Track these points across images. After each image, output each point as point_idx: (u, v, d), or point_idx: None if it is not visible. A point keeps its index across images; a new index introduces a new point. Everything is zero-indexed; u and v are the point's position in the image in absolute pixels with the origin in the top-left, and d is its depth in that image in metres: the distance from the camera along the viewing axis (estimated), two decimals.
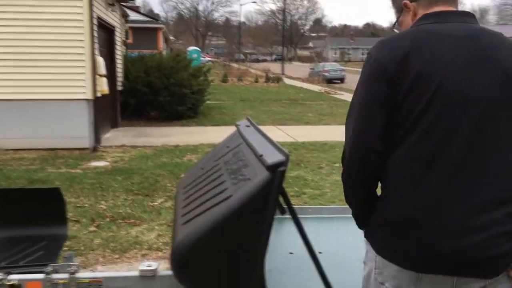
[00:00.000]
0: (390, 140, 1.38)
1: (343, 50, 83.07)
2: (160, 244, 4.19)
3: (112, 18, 10.53)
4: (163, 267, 3.28)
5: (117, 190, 5.80)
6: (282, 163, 1.43)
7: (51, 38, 7.97)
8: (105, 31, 10.12)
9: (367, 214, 1.47)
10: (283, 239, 2.42)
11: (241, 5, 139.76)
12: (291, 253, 2.32)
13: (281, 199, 1.51)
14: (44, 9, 7.92)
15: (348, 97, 20.71)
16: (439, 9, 1.47)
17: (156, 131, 10.73)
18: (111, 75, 10.16)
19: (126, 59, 12.16)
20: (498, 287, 1.36)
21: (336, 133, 10.47)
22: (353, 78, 35.21)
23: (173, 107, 11.94)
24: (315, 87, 26.28)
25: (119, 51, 11.38)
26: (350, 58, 78.84)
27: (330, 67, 35.42)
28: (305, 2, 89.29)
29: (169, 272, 1.81)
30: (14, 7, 7.89)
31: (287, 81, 30.57)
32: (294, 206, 1.62)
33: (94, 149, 8.32)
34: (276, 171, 1.42)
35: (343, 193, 1.55)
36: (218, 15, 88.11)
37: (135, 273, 2.02)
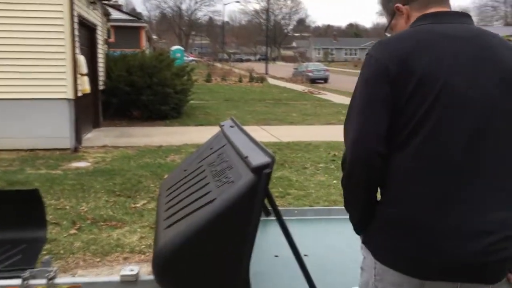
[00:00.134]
0: (391, 143, 1.35)
1: (326, 50, 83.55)
2: (143, 246, 4.12)
3: (94, 16, 10.39)
4: (146, 271, 3.23)
5: (99, 192, 5.71)
6: (268, 165, 1.39)
7: (30, 37, 7.82)
8: (86, 30, 9.98)
9: (366, 219, 1.43)
10: (268, 242, 2.38)
11: (224, 4, 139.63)
12: (276, 256, 2.29)
13: (266, 201, 1.48)
14: (23, 6, 7.77)
15: (332, 97, 20.83)
16: (434, 10, 1.46)
17: (139, 131, 10.62)
18: (92, 74, 10.03)
19: (108, 58, 12.02)
20: None
21: (320, 133, 10.51)
22: (336, 78, 35.49)
23: (156, 106, 11.84)
24: (299, 87, 26.36)
25: (101, 50, 11.24)
26: (334, 58, 79.36)
27: (314, 67, 35.57)
28: (289, 2, 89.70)
29: (151, 277, 1.77)
30: None
31: (271, 81, 30.61)
32: (279, 208, 1.59)
33: (75, 150, 8.19)
34: (262, 174, 1.38)
35: (343, 199, 1.50)
36: (202, 14, 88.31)
37: (116, 278, 1.97)
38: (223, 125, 2.19)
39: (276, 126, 11.92)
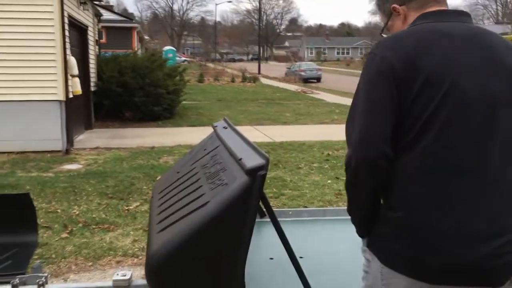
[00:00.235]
0: (397, 144, 1.32)
1: (319, 50, 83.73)
2: (136, 249, 4.08)
3: (85, 17, 10.32)
4: (139, 274, 3.19)
5: (91, 194, 5.65)
6: (262, 167, 1.37)
7: (20, 38, 7.73)
8: (77, 31, 9.91)
9: (371, 222, 1.40)
10: (262, 244, 2.36)
11: (216, 4, 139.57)
12: (271, 258, 2.26)
13: (260, 203, 1.45)
14: (13, 7, 7.70)
15: (325, 96, 20.85)
16: (432, 9, 1.45)
17: (131, 132, 10.56)
18: (84, 76, 9.96)
19: (100, 59, 11.95)
20: None
21: (314, 133, 10.51)
22: (329, 77, 35.55)
23: (148, 107, 11.78)
24: (292, 87, 26.36)
25: (92, 51, 11.17)
26: (326, 57, 79.50)
27: (306, 66, 35.64)
28: (281, 2, 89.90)
29: (144, 282, 1.74)
30: None
31: (263, 80, 30.60)
32: (274, 209, 1.56)
33: (67, 152, 8.12)
34: (256, 176, 1.36)
35: (347, 201, 1.46)
36: (194, 14, 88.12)
37: (109, 283, 1.94)
38: (216, 126, 2.16)
39: (269, 126, 11.89)
